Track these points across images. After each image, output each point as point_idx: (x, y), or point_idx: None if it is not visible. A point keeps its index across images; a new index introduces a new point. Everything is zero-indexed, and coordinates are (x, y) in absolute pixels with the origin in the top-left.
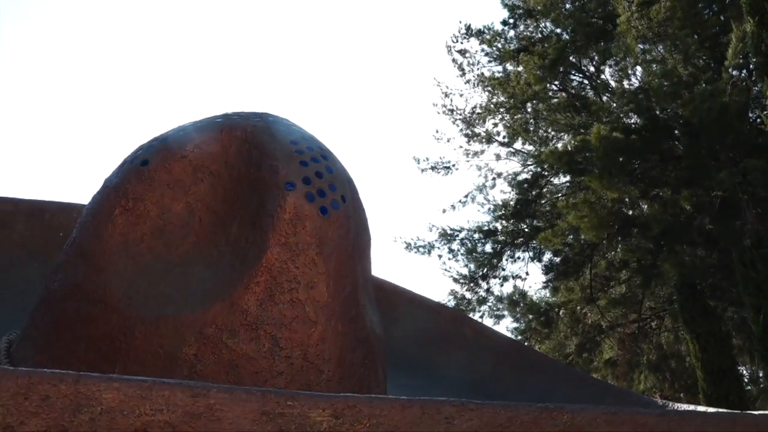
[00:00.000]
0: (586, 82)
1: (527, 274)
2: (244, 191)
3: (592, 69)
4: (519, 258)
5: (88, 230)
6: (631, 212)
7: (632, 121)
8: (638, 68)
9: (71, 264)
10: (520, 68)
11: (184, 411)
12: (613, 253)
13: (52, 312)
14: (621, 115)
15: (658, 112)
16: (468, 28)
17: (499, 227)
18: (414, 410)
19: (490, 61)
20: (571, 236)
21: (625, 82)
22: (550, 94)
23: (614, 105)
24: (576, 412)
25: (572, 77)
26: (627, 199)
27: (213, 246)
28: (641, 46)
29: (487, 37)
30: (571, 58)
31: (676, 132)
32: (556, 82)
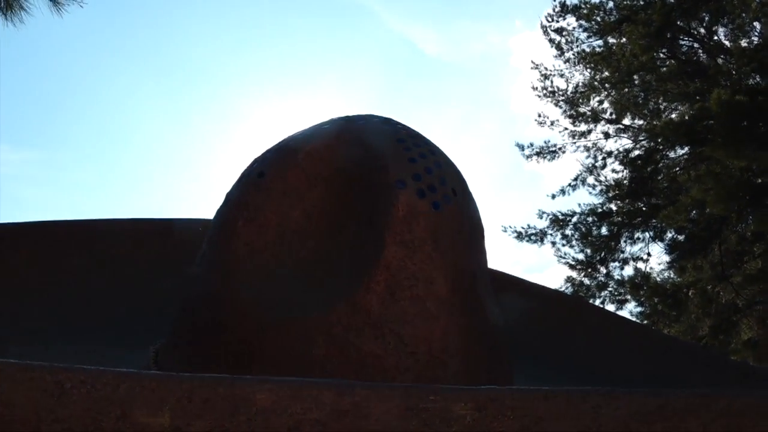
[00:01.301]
0: (697, 45)
1: (649, 255)
2: (357, 193)
3: (702, 31)
4: (638, 239)
5: (216, 243)
6: (761, 180)
7: (755, 81)
8: (756, 24)
9: (203, 276)
10: (623, 40)
11: (332, 409)
12: (744, 225)
13: (191, 321)
14: (742, 77)
15: None
16: (563, 5)
17: (614, 208)
18: (559, 400)
19: (589, 37)
20: (695, 211)
21: (743, 41)
22: (659, 63)
23: (733, 66)
24: (734, 397)
25: (681, 42)
26: (756, 167)
27: (332, 249)
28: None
29: (585, 11)
30: (678, 22)
31: None
32: (664, 50)
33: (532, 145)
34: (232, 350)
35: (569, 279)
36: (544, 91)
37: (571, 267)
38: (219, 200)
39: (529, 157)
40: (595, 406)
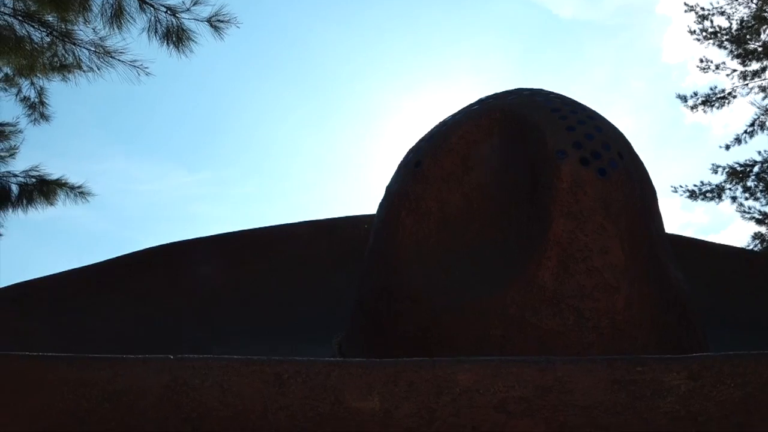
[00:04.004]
0: None
1: None
2: (516, 169)
3: None
4: None
5: (382, 236)
6: None
7: None
8: None
9: (374, 269)
10: None
11: (534, 385)
12: None
13: (367, 313)
14: None
15: None
16: None
17: None
18: None
19: None
20: None
21: None
22: None
23: None
24: None
25: None
26: None
27: (496, 229)
28: None
29: None
30: None
31: None
32: None
33: (695, 94)
34: (410, 337)
35: (757, 235)
36: (704, 34)
37: (759, 222)
38: (379, 194)
39: (693, 107)
40: None
